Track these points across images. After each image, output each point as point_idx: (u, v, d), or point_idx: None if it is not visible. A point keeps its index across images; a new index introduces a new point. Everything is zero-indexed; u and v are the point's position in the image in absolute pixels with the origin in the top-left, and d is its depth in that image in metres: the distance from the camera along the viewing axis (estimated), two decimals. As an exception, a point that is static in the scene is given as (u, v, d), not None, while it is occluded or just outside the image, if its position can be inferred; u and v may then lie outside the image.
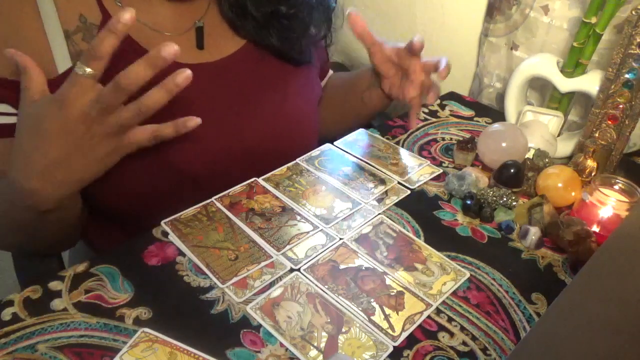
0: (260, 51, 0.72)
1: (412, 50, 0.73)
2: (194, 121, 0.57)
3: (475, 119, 0.90)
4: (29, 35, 0.59)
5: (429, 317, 0.53)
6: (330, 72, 0.91)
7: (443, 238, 0.63)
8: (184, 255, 0.57)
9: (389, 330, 0.51)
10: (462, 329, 0.52)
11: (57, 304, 0.51)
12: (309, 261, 0.57)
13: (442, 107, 0.93)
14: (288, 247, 0.59)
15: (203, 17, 0.69)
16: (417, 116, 0.78)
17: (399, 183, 0.71)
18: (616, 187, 0.66)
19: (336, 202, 0.66)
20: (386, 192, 0.69)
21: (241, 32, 0.71)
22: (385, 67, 0.77)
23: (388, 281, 0.56)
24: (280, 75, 0.74)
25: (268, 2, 0.69)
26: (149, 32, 0.65)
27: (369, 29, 0.74)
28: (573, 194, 0.69)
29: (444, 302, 0.55)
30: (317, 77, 0.84)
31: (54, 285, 0.53)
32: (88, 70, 0.50)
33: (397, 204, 0.68)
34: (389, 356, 0.49)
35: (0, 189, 0.58)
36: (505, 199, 0.67)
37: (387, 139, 0.81)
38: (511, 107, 0.87)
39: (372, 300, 0.54)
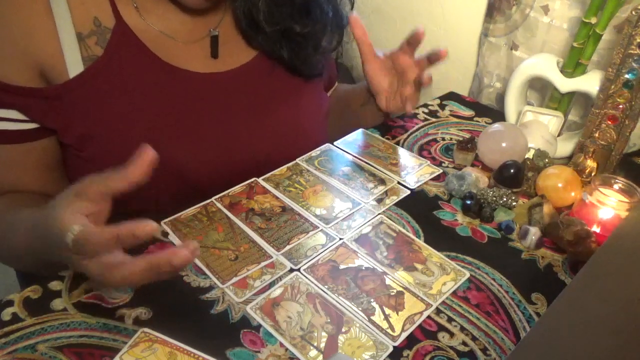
0: (272, 63, 0.72)
1: (414, 40, 0.72)
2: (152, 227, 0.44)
3: (475, 119, 0.90)
4: (41, 37, 0.58)
5: (428, 317, 0.53)
6: (336, 84, 0.91)
7: (443, 238, 0.63)
8: (184, 255, 0.57)
9: (389, 330, 0.51)
10: (462, 329, 0.52)
11: (57, 304, 0.51)
12: (309, 261, 0.57)
13: (442, 107, 0.93)
14: (288, 247, 0.59)
15: (217, 27, 0.69)
16: (413, 104, 0.77)
17: (398, 183, 0.71)
18: (616, 187, 0.66)
19: (336, 202, 0.66)
20: (386, 192, 0.69)
21: (253, 43, 0.71)
22: (378, 78, 0.77)
23: (388, 281, 0.56)
24: (291, 87, 0.74)
25: (281, 20, 0.68)
26: (163, 39, 0.65)
27: (369, 28, 0.74)
28: (573, 194, 0.69)
29: (443, 302, 0.55)
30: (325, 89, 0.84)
31: (54, 285, 0.53)
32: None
33: (397, 204, 0.68)
34: (389, 356, 0.49)
35: (33, 226, 0.51)
36: (505, 199, 0.67)
37: (387, 139, 0.81)
38: (511, 107, 0.87)
39: (372, 300, 0.54)
